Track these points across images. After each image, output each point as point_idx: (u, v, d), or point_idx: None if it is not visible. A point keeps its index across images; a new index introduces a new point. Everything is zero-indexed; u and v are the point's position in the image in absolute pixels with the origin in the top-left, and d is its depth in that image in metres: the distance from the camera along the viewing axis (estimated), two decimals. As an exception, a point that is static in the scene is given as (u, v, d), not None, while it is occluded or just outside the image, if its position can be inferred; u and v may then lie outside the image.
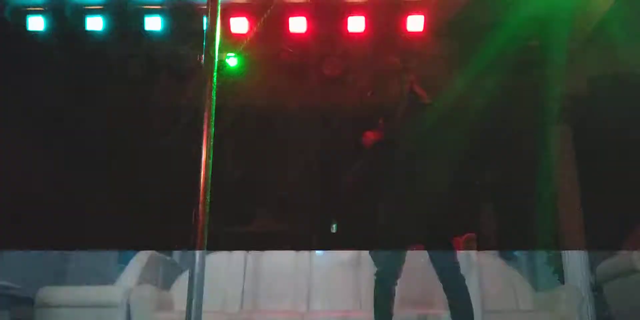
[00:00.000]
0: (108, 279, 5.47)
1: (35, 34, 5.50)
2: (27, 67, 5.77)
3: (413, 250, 3.58)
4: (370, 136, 3.63)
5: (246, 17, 5.47)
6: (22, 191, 5.94)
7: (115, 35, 5.56)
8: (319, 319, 4.94)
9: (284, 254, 5.73)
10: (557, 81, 5.53)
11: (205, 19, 1.91)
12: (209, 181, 1.75)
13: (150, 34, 5.53)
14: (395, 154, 3.60)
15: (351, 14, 5.46)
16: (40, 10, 5.46)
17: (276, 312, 5.04)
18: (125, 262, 5.74)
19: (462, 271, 3.52)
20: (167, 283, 5.58)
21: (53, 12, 5.46)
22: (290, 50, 5.69)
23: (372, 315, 4.85)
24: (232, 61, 5.67)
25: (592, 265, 5.24)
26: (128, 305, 4.82)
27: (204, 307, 1.71)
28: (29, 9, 5.46)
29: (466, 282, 3.52)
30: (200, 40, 1.85)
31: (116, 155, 6.42)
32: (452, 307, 3.40)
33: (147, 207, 6.62)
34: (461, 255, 4.94)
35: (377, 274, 3.58)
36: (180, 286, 5.32)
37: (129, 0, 5.43)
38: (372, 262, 3.80)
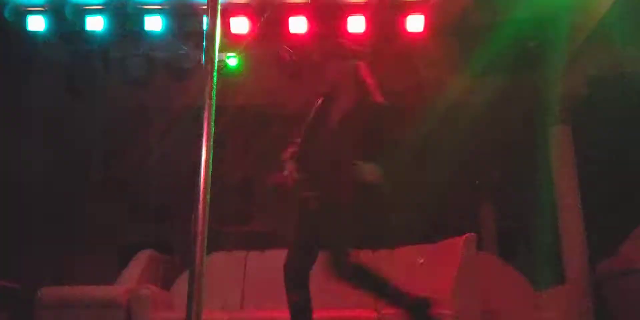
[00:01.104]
0: (108, 279, 5.46)
1: (35, 34, 5.50)
2: (27, 67, 5.77)
3: None
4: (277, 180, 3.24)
5: (246, 17, 5.48)
6: (21, 191, 5.95)
7: (115, 35, 5.56)
8: (318, 318, 4.94)
9: (284, 253, 5.72)
10: (557, 81, 5.54)
11: (205, 19, 1.91)
12: (209, 181, 1.75)
13: (150, 34, 5.53)
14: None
15: (351, 14, 5.46)
16: (40, 10, 5.46)
17: (276, 311, 5.04)
18: (125, 262, 5.74)
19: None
20: (167, 283, 5.58)
21: (53, 12, 5.46)
22: (290, 50, 5.69)
23: (372, 314, 4.86)
24: (232, 61, 5.67)
25: (592, 265, 5.24)
26: (128, 305, 4.82)
27: (204, 307, 1.71)
28: (29, 9, 5.46)
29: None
30: (200, 40, 1.85)
31: (116, 155, 6.43)
32: None
33: (148, 207, 6.62)
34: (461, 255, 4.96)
35: None
36: (180, 286, 5.32)
37: (129, 0, 5.43)
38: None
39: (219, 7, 1.92)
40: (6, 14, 5.41)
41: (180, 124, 5.62)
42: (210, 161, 1.76)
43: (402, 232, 5.63)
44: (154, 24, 5.47)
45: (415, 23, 5.45)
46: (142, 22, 5.49)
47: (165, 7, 5.47)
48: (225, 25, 5.40)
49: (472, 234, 4.98)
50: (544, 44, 5.43)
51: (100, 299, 4.87)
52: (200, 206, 1.72)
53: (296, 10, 5.47)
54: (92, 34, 5.52)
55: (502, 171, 6.24)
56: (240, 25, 5.48)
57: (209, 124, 1.77)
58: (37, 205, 6.06)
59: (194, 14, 5.38)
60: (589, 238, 5.36)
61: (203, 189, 1.73)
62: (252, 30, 5.49)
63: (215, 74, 1.82)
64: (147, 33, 5.54)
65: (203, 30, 1.88)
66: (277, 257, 5.67)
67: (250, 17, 5.48)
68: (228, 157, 6.28)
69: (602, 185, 5.52)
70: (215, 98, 1.81)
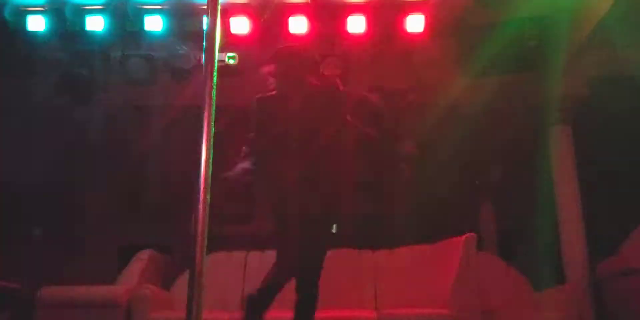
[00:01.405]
0: (108, 279, 5.46)
1: (35, 34, 5.50)
2: (27, 67, 5.77)
3: None
4: None
5: (246, 17, 5.48)
6: (22, 191, 5.95)
7: (115, 35, 5.56)
8: (319, 318, 4.94)
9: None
10: (557, 81, 5.54)
11: (205, 19, 1.91)
12: (209, 181, 1.75)
13: (150, 34, 5.53)
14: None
15: (351, 14, 5.46)
16: (40, 10, 5.46)
17: (276, 312, 5.04)
18: (125, 262, 5.74)
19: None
20: (167, 283, 5.58)
21: (53, 12, 5.46)
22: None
23: (372, 314, 4.86)
24: (232, 61, 5.67)
25: (592, 265, 5.24)
26: (128, 305, 4.82)
27: (204, 307, 1.71)
28: (29, 9, 5.46)
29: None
30: (200, 40, 1.85)
31: (116, 155, 6.43)
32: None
33: (148, 207, 6.62)
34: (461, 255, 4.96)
35: None
36: (180, 286, 5.32)
37: (129, 0, 5.43)
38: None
39: (219, 7, 1.91)
40: (6, 14, 5.41)
41: (180, 124, 5.62)
42: (211, 161, 1.76)
43: (402, 232, 5.63)
44: (154, 24, 5.47)
45: (415, 23, 5.45)
46: (142, 22, 5.49)
47: (165, 7, 5.47)
48: (225, 25, 5.39)
49: (472, 234, 4.98)
50: (544, 43, 5.43)
51: (100, 299, 4.87)
52: (200, 206, 1.71)
53: (296, 10, 5.47)
54: (92, 34, 5.52)
55: (502, 171, 6.24)
56: (240, 25, 5.48)
57: (209, 124, 1.77)
58: (37, 205, 6.06)
59: (194, 14, 5.38)
60: (589, 238, 5.36)
61: (203, 189, 1.73)
62: (252, 30, 5.49)
63: (215, 74, 1.82)
64: (147, 33, 5.53)
65: (203, 30, 1.88)
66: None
67: (250, 17, 5.48)
68: (228, 156, 6.27)
69: (602, 185, 5.52)
70: (215, 98, 1.81)
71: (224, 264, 5.52)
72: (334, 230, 7.31)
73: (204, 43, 1.85)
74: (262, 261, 5.64)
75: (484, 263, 5.12)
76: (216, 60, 1.83)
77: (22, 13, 5.46)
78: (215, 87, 1.81)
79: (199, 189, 1.73)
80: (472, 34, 5.36)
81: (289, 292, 5.37)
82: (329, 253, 5.74)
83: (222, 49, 1.80)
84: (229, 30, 5.45)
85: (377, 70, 5.85)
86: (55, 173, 6.19)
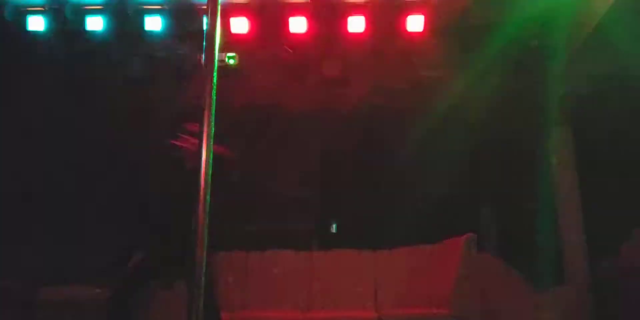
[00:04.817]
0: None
1: (35, 34, 5.50)
2: (27, 67, 5.77)
3: None
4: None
5: (246, 17, 5.48)
6: (21, 190, 5.95)
7: (115, 35, 5.56)
8: (319, 318, 4.94)
9: (284, 253, 5.73)
10: (558, 81, 5.54)
11: (205, 19, 1.91)
12: (209, 181, 1.75)
13: (150, 34, 5.53)
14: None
15: (351, 14, 5.46)
16: (40, 10, 5.46)
17: (276, 311, 5.04)
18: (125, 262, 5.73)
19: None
20: (167, 283, 5.57)
21: (53, 12, 5.46)
22: (290, 50, 5.69)
23: (372, 315, 4.87)
24: (232, 61, 5.67)
25: (592, 265, 5.24)
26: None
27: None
28: (29, 9, 5.46)
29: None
30: (200, 40, 1.85)
31: (116, 155, 6.42)
32: None
33: (148, 207, 6.61)
34: (461, 255, 4.96)
35: None
36: (181, 286, 5.31)
37: (129, 0, 5.43)
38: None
39: (219, 7, 1.91)
40: (6, 14, 5.41)
41: (180, 124, 5.62)
42: (210, 161, 1.76)
43: (402, 232, 5.63)
44: (154, 24, 5.48)
45: (415, 23, 5.46)
46: (142, 22, 5.49)
47: (165, 7, 5.48)
48: (225, 25, 5.40)
49: (472, 234, 4.98)
50: (545, 43, 5.43)
51: (100, 298, 4.86)
52: (200, 206, 1.71)
53: (296, 10, 5.47)
54: (92, 34, 5.52)
55: (502, 171, 6.23)
56: (240, 25, 5.48)
57: (209, 124, 1.77)
58: (36, 205, 6.05)
59: (194, 14, 5.38)
60: (589, 238, 5.36)
61: (203, 189, 1.73)
62: (252, 30, 5.49)
63: (215, 74, 1.82)
64: (147, 33, 5.54)
65: (203, 30, 1.88)
66: (277, 257, 5.72)
67: (250, 17, 5.48)
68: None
69: (602, 185, 5.51)
70: (215, 98, 1.81)
71: (224, 264, 5.52)
72: (333, 230, 7.34)
73: (204, 43, 1.85)
74: (262, 261, 5.65)
75: (484, 263, 5.12)
76: (216, 60, 1.84)
77: (22, 13, 5.46)
78: (215, 87, 1.81)
79: (199, 189, 1.73)
80: (472, 34, 5.36)
81: (288, 291, 5.38)
82: (329, 253, 5.76)
83: (222, 49, 1.80)
84: (229, 30, 5.45)
85: (377, 70, 5.85)
86: (54, 172, 6.19)
